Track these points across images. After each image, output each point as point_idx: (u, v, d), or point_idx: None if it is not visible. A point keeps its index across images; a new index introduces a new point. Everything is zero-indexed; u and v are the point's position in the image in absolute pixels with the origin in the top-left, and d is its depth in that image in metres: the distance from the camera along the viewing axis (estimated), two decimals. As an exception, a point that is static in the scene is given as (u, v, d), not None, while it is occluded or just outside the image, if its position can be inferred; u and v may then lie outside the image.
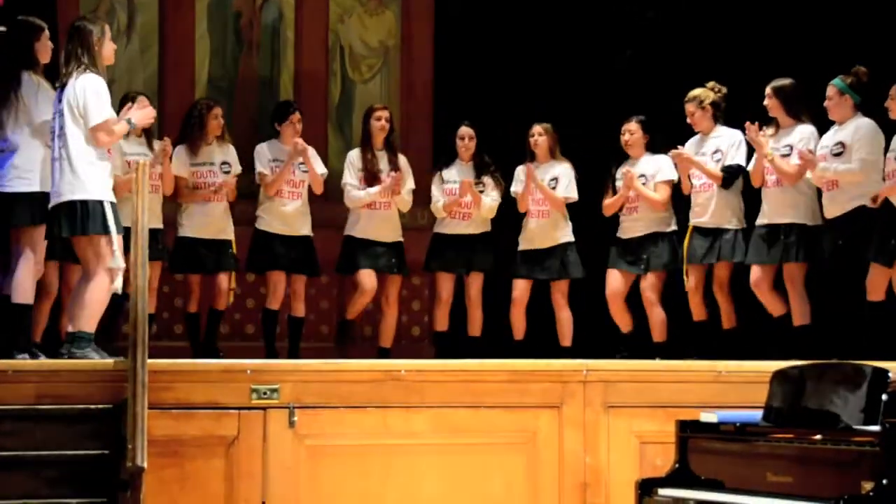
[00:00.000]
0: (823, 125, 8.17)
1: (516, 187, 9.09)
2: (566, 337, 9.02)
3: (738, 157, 8.49)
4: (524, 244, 9.07)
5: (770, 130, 8.32)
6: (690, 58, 9.97)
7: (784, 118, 8.26)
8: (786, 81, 8.28)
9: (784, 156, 8.19)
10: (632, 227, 8.87)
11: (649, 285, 8.80)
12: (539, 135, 9.04)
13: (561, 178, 9.00)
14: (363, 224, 8.92)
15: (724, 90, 8.63)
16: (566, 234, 9.02)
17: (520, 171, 9.10)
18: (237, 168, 8.90)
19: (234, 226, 8.88)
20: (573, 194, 9.01)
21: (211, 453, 6.18)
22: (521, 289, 9.06)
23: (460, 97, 10.14)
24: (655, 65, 10.30)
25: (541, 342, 9.02)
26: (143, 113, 6.95)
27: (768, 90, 8.29)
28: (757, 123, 8.23)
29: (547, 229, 9.01)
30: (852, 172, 7.81)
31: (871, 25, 9.14)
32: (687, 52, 10.09)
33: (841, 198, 7.91)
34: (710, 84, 8.64)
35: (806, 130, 8.19)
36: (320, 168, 8.99)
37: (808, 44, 9.33)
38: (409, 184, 9.06)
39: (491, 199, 9.05)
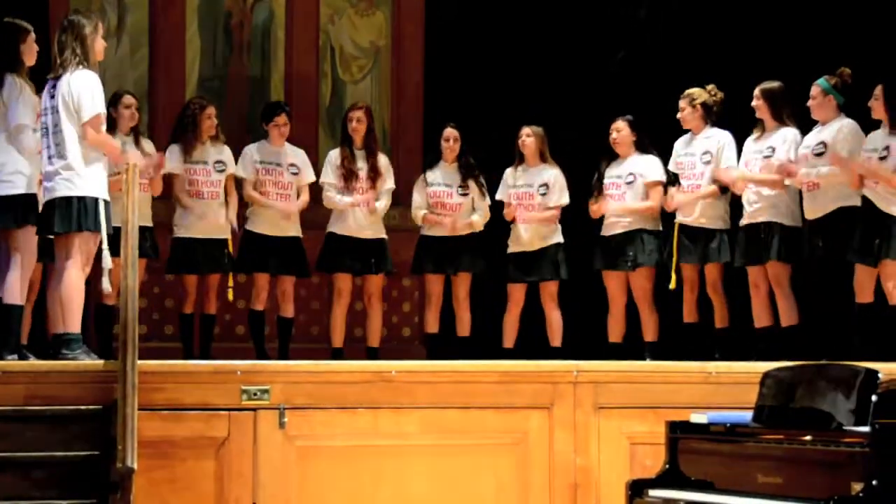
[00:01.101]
0: (808, 126, 8.21)
1: (502, 194, 9.06)
2: (556, 337, 9.02)
3: (729, 160, 8.50)
4: (514, 246, 9.06)
5: (756, 133, 8.36)
6: (682, 59, 9.99)
7: (769, 120, 8.31)
8: (774, 84, 8.32)
9: (766, 157, 8.23)
10: (616, 224, 8.87)
11: (639, 284, 8.80)
12: (527, 136, 9.02)
13: (552, 186, 8.98)
14: (344, 221, 8.92)
15: (721, 95, 8.64)
16: (556, 235, 9.02)
17: (507, 176, 9.08)
18: (232, 167, 8.89)
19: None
20: (565, 200, 9.02)
21: (201, 454, 6.17)
22: (517, 293, 9.05)
23: (451, 98, 10.13)
24: (647, 66, 10.31)
25: (530, 343, 9.02)
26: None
27: (757, 91, 8.33)
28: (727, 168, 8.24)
29: (537, 231, 9.01)
30: (834, 174, 7.83)
31: (858, 27, 9.15)
32: (679, 53, 10.11)
33: (822, 199, 7.94)
34: (709, 87, 8.66)
35: (789, 134, 8.23)
36: (310, 177, 9.01)
37: (798, 44, 9.35)
38: (389, 183, 9.05)
39: (479, 216, 9.06)
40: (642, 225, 8.80)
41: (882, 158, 7.66)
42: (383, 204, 8.98)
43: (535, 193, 8.99)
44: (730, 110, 8.62)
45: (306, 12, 10.49)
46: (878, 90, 7.76)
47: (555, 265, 8.97)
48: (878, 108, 7.76)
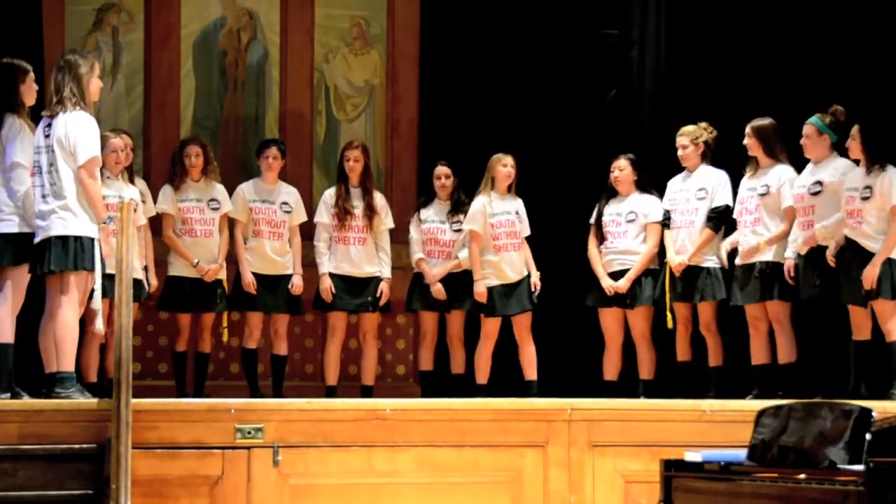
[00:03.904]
0: (799, 164, 8.25)
1: (477, 224, 8.85)
2: (532, 369, 8.90)
3: (724, 198, 8.52)
4: (493, 279, 8.82)
5: (749, 171, 8.39)
6: (674, 97, 10.03)
7: (763, 157, 8.33)
8: (765, 121, 8.35)
9: (762, 195, 8.26)
10: (614, 262, 8.85)
11: (639, 323, 8.80)
12: (513, 167, 8.93)
13: (523, 215, 8.96)
14: (339, 259, 8.93)
15: (716, 132, 8.68)
16: (525, 268, 8.96)
17: (483, 206, 8.85)
18: (227, 206, 8.89)
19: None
20: (528, 230, 8.97)
21: (195, 493, 6.17)
22: (492, 327, 8.90)
23: (445, 136, 10.16)
24: (639, 103, 10.36)
25: (517, 379, 8.98)
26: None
27: (748, 129, 8.36)
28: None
29: (516, 264, 8.94)
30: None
31: (844, 65, 9.22)
32: (671, 91, 10.15)
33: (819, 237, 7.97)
34: (704, 124, 8.68)
35: (784, 172, 8.25)
36: (301, 217, 9.02)
37: (788, 81, 9.41)
38: (387, 223, 9.07)
39: (464, 256, 9.00)
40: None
41: (865, 199, 7.70)
42: (386, 270, 8.98)
43: (514, 220, 8.92)
44: (723, 148, 8.65)
45: (301, 51, 10.52)
46: (855, 130, 7.81)
47: (527, 297, 8.90)
48: (854, 148, 7.82)
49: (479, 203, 8.90)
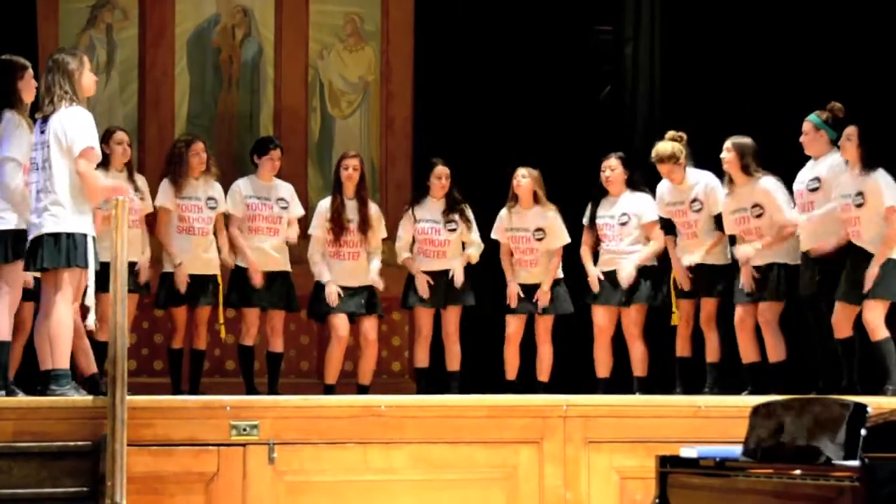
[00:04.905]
0: (796, 163, 8.24)
1: (498, 235, 9.05)
2: (545, 372, 9.00)
3: (719, 205, 8.48)
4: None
5: (727, 189, 8.35)
6: (670, 94, 10.04)
7: (738, 174, 8.27)
8: (746, 140, 8.30)
9: (758, 216, 8.23)
10: (611, 261, 8.88)
11: (631, 319, 8.81)
12: (523, 178, 8.96)
13: (550, 230, 8.96)
14: (333, 273, 8.89)
15: (685, 135, 8.63)
16: (556, 272, 9.02)
17: (503, 218, 9.05)
18: (223, 205, 8.90)
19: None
20: (565, 240, 9.01)
21: (190, 490, 6.16)
22: (514, 325, 9.04)
23: (440, 133, 10.16)
24: (634, 101, 10.37)
25: (519, 376, 9.02)
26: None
27: (728, 144, 8.29)
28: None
29: (536, 272, 9.01)
30: (828, 214, 7.87)
31: (843, 63, 9.24)
32: (667, 87, 10.16)
33: (819, 232, 7.95)
34: (671, 134, 8.60)
35: (769, 183, 8.22)
36: (298, 210, 9.02)
37: (785, 80, 9.41)
38: (381, 233, 9.06)
39: (474, 250, 9.05)
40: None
41: (859, 206, 7.69)
42: (376, 265, 8.97)
43: (530, 237, 8.98)
44: (716, 149, 8.62)
45: (295, 48, 10.52)
46: (852, 131, 7.76)
47: (553, 299, 8.95)
48: (850, 149, 7.77)
49: (500, 215, 9.07)
